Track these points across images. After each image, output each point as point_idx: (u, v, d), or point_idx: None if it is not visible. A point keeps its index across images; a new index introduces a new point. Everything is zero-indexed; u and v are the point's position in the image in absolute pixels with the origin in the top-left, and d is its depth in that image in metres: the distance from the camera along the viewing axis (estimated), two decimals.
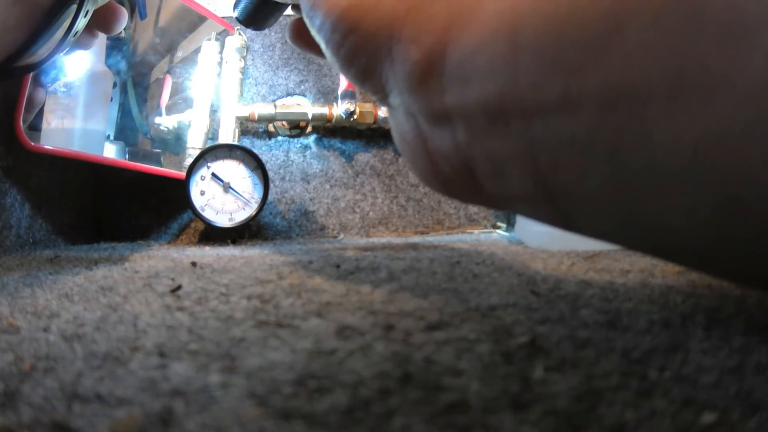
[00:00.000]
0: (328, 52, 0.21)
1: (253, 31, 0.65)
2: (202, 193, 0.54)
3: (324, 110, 0.60)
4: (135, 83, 0.57)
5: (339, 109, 0.60)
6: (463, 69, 0.16)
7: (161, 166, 0.57)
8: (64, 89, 0.49)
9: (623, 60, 0.12)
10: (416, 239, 0.57)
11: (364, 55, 0.19)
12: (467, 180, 0.17)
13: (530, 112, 0.14)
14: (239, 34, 0.61)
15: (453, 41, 0.16)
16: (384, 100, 0.20)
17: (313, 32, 0.21)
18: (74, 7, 0.24)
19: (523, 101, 0.14)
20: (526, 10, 0.14)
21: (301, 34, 0.26)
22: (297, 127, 0.63)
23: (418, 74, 0.17)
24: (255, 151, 0.56)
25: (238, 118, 0.60)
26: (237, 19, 0.29)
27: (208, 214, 0.54)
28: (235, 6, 0.28)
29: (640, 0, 0.12)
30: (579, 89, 0.13)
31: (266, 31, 0.65)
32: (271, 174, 0.58)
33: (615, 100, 0.12)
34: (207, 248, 0.49)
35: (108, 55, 0.54)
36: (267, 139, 0.64)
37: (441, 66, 0.16)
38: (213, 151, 0.55)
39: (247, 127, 0.63)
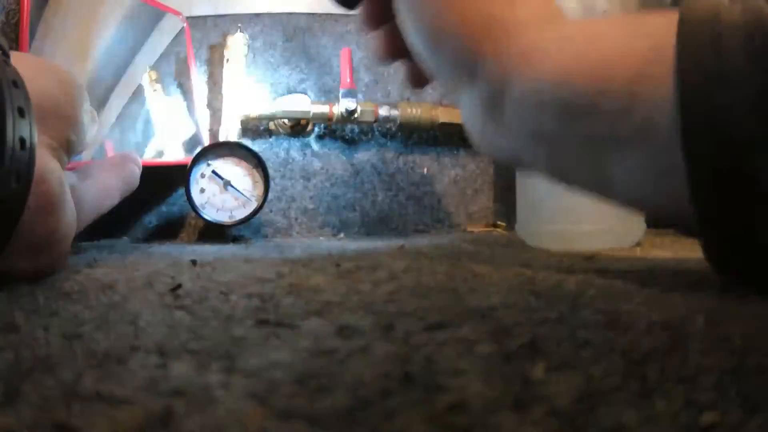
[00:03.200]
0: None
1: (256, 29, 0.65)
2: (203, 190, 0.54)
3: (325, 108, 0.60)
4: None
5: (340, 108, 0.60)
6: (517, 107, 0.25)
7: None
8: None
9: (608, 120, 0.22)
10: (416, 238, 0.57)
11: (448, 77, 0.29)
12: (515, 162, 0.30)
13: (548, 139, 0.25)
14: (240, 31, 0.61)
15: (508, 93, 0.25)
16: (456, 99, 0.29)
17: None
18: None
19: (550, 132, 0.24)
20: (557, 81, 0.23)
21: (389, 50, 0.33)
22: (298, 124, 0.63)
23: (487, 106, 0.26)
24: (255, 149, 0.56)
25: (239, 115, 0.60)
26: None
27: (209, 212, 0.54)
28: None
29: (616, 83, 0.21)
30: (576, 130, 0.23)
31: (267, 29, 0.65)
32: (271, 172, 0.58)
33: (591, 140, 0.23)
34: (207, 246, 0.49)
35: None
36: (267, 137, 0.64)
37: (502, 102, 0.25)
38: (213, 149, 0.55)
39: (247, 124, 0.63)
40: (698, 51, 0.19)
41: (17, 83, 0.23)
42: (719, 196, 0.19)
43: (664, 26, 0.21)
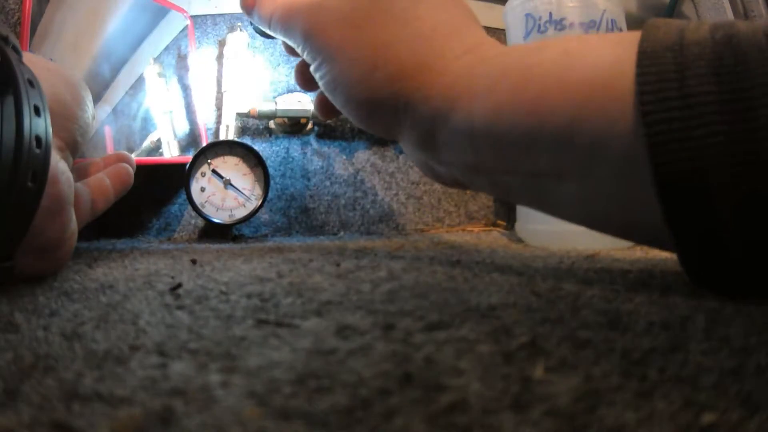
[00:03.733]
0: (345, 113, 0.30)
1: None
2: (203, 189, 0.54)
3: None
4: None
5: None
6: (451, 143, 0.25)
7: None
8: None
9: (537, 158, 0.22)
10: (416, 237, 0.57)
11: (379, 127, 0.29)
12: (458, 184, 0.29)
13: (488, 171, 0.25)
14: (240, 30, 0.61)
15: (441, 130, 0.25)
16: (396, 140, 0.29)
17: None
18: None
19: (484, 167, 0.25)
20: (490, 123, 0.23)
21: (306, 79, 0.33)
22: (298, 123, 0.63)
23: (423, 143, 0.27)
24: (255, 148, 0.56)
25: (238, 114, 0.60)
26: (254, 29, 0.34)
27: (209, 211, 0.54)
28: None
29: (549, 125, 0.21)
30: (516, 167, 0.23)
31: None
32: (271, 171, 0.58)
33: (533, 175, 0.23)
34: (207, 245, 0.49)
35: None
36: (267, 136, 0.64)
37: (436, 139, 0.26)
38: (213, 148, 0.55)
39: (247, 123, 0.63)
40: (661, 77, 0.18)
41: (32, 82, 0.23)
42: (692, 228, 0.19)
43: (611, 50, 0.21)
